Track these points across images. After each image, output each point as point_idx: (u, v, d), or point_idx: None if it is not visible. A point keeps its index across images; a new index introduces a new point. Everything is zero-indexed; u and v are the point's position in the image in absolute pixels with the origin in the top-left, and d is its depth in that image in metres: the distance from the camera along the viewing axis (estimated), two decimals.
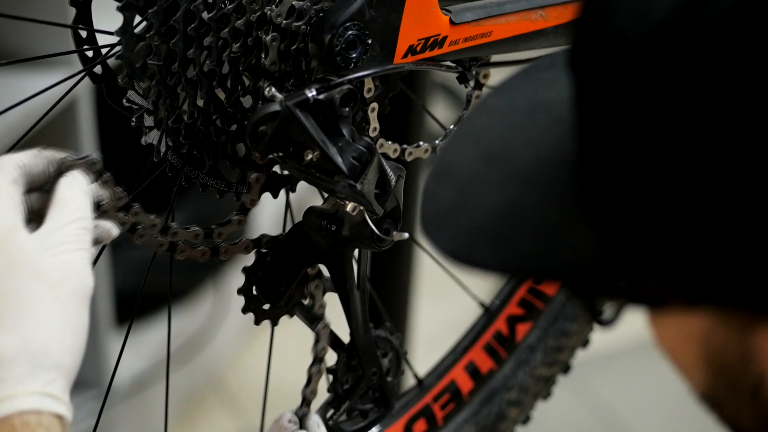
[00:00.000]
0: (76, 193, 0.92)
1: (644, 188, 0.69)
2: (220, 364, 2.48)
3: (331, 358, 1.14)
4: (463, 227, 0.76)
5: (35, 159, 0.93)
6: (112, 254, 2.09)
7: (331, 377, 1.14)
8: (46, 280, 0.87)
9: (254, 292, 1.07)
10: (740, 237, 0.67)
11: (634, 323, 2.69)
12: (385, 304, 1.22)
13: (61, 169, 0.94)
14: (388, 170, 1.01)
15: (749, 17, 0.65)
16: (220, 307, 2.34)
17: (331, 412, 1.13)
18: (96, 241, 0.95)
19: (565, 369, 1.31)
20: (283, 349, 1.94)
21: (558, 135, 0.76)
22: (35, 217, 0.92)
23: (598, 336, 1.36)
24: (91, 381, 1.93)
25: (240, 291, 1.07)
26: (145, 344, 2.16)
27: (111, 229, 0.97)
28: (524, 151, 0.78)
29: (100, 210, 0.96)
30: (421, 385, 1.26)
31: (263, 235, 1.07)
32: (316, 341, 1.11)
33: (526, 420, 1.31)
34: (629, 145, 0.69)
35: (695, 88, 0.66)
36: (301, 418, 1.11)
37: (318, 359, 1.11)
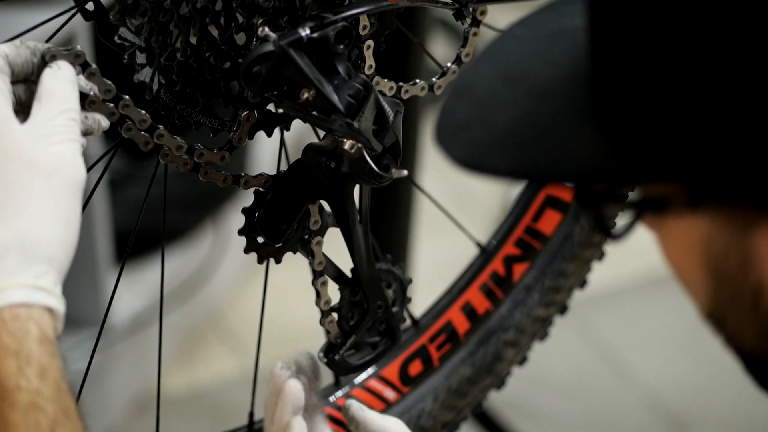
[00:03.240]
0: (62, 83, 0.91)
1: (652, 88, 0.73)
2: (220, 302, 2.48)
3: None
4: (476, 138, 0.79)
5: (18, 50, 0.91)
6: (111, 193, 2.09)
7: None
8: (39, 172, 0.86)
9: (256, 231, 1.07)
10: (741, 135, 0.70)
11: (633, 262, 2.70)
12: (384, 243, 1.22)
13: (45, 60, 0.92)
14: (386, 106, 1.00)
15: None
16: (220, 246, 2.34)
17: (336, 347, 1.13)
18: (86, 133, 0.93)
19: (562, 310, 1.31)
20: (281, 287, 1.95)
21: (575, 55, 0.79)
22: (22, 109, 0.91)
23: (598, 275, 1.36)
24: (89, 319, 1.93)
25: (241, 232, 1.06)
26: (145, 283, 2.16)
27: (101, 120, 0.96)
28: (542, 72, 0.81)
29: (87, 101, 0.95)
30: (417, 325, 1.26)
31: (246, 174, 1.06)
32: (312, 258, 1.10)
33: (522, 361, 1.31)
34: (638, 46, 0.73)
35: None
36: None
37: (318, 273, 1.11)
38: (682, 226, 0.77)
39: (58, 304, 0.85)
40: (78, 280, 2.04)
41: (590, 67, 0.77)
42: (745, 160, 0.70)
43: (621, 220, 0.81)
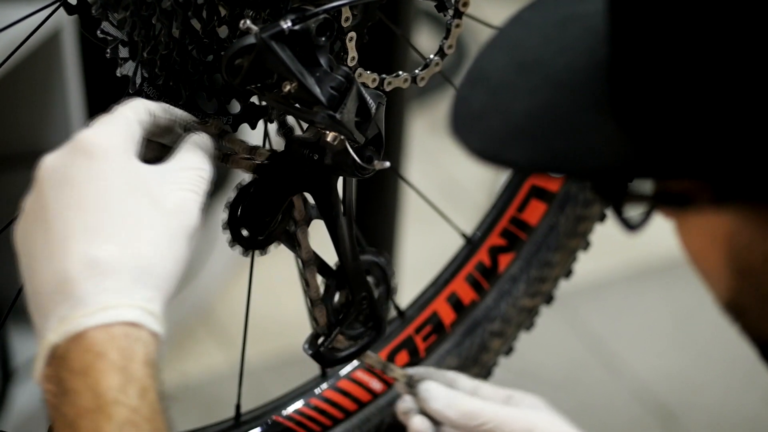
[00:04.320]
0: (198, 149, 0.95)
1: (673, 80, 0.71)
2: (208, 296, 2.49)
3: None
4: (493, 128, 0.78)
5: (164, 112, 0.96)
6: None
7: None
8: (160, 209, 0.89)
9: (238, 224, 1.07)
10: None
11: (623, 253, 2.71)
12: (370, 235, 1.22)
13: (186, 129, 0.97)
14: (368, 98, 1.00)
15: None
16: (208, 240, 2.34)
17: (321, 339, 1.13)
18: None
19: (548, 300, 1.31)
20: (269, 281, 1.94)
21: (591, 43, 0.78)
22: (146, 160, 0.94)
23: (588, 266, 1.36)
24: None
25: (225, 226, 1.07)
26: None
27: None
28: (557, 59, 0.80)
29: (230, 159, 1.02)
30: (403, 316, 1.26)
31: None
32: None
33: (509, 351, 1.31)
34: (660, 34, 0.71)
35: None
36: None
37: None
38: (704, 220, 0.76)
39: (162, 332, 0.87)
40: None
41: (609, 56, 0.76)
42: None
43: (633, 210, 0.80)
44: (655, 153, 0.73)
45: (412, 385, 1.17)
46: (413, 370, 1.19)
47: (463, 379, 1.18)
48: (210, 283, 2.47)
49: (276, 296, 2.19)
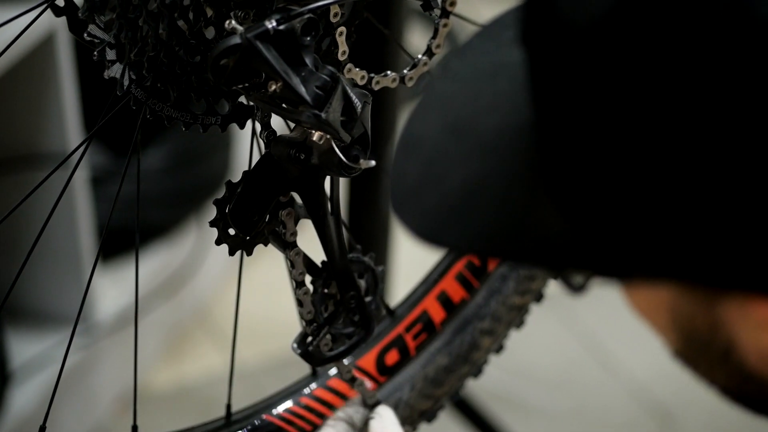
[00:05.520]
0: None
1: (603, 167, 0.68)
2: (206, 298, 2.49)
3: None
4: (429, 206, 0.75)
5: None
6: (95, 189, 2.09)
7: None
8: None
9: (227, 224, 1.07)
10: (699, 214, 0.66)
11: None
12: (364, 235, 1.22)
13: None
14: (353, 97, 1.01)
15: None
16: (205, 241, 2.35)
17: (309, 338, 1.14)
18: None
19: (538, 298, 1.31)
20: (267, 282, 1.95)
21: (519, 100, 0.74)
22: None
23: None
24: (74, 317, 1.94)
25: (212, 223, 1.07)
26: (130, 279, 2.16)
27: None
28: (488, 120, 0.76)
29: None
30: (393, 315, 1.27)
31: None
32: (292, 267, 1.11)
33: (499, 349, 1.31)
34: (585, 121, 0.68)
35: (640, 69, 0.65)
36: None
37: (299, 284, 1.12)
38: (647, 290, 0.75)
39: None
40: (63, 278, 2.05)
41: (537, 140, 0.72)
42: (702, 243, 0.67)
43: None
44: (587, 233, 0.70)
45: None
46: None
47: None
48: (207, 284, 2.47)
49: (274, 298, 2.19)
